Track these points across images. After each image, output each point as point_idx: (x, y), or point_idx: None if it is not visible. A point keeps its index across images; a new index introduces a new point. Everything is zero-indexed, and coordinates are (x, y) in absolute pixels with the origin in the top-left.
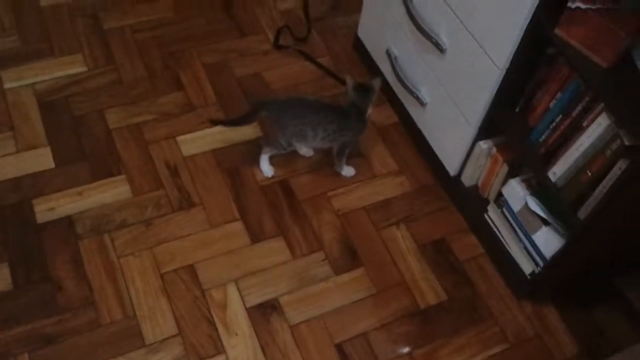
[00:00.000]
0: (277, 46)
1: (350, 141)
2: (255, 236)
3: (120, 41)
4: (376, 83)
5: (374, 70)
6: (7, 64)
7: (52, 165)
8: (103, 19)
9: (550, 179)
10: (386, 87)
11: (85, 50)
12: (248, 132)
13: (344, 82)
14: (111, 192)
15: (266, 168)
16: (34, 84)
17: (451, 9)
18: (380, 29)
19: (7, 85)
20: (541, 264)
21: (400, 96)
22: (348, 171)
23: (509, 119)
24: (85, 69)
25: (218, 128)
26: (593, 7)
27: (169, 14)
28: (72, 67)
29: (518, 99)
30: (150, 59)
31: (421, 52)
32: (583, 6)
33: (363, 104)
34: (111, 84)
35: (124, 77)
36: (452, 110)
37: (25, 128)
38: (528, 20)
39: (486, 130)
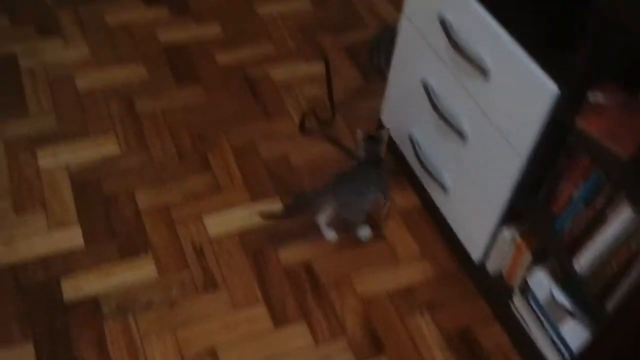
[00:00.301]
0: (303, 130)
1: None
2: (278, 319)
3: (152, 124)
4: (385, 133)
5: (397, 154)
6: (43, 143)
7: (82, 244)
8: (136, 102)
9: (575, 270)
10: (408, 171)
11: (118, 131)
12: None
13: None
14: (138, 271)
15: (330, 234)
16: (67, 163)
17: (473, 98)
18: (403, 114)
19: (42, 164)
20: (568, 357)
21: (422, 180)
22: (365, 231)
23: (532, 207)
24: (117, 149)
25: (243, 210)
26: (613, 101)
27: (200, 98)
28: (105, 147)
29: (541, 187)
30: (181, 141)
31: (443, 138)
32: (603, 100)
33: (375, 154)
34: (142, 164)
35: (155, 158)
36: (475, 197)
37: (57, 206)
38: (549, 112)
39: (510, 216)
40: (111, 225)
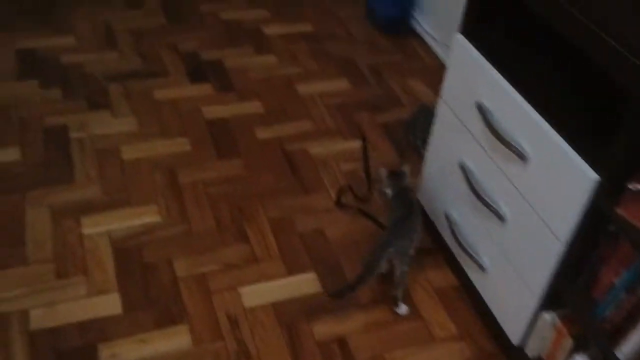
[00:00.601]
0: (339, 204)
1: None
2: None
3: (193, 194)
4: (406, 168)
5: (433, 232)
6: (88, 211)
7: (119, 311)
8: (179, 173)
9: (618, 358)
10: (445, 250)
11: (160, 201)
12: (307, 286)
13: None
14: (173, 340)
15: (403, 308)
16: (110, 231)
17: (511, 181)
18: (440, 193)
19: (85, 231)
20: None
21: (459, 259)
22: (402, 308)
23: (573, 292)
24: (159, 219)
25: (279, 282)
26: None
27: (240, 171)
28: (146, 216)
29: (581, 272)
30: (220, 212)
31: (481, 219)
32: None
33: (401, 188)
34: (181, 234)
35: (194, 228)
36: (513, 278)
37: (98, 273)
38: (588, 199)
39: (550, 300)
40: (149, 293)
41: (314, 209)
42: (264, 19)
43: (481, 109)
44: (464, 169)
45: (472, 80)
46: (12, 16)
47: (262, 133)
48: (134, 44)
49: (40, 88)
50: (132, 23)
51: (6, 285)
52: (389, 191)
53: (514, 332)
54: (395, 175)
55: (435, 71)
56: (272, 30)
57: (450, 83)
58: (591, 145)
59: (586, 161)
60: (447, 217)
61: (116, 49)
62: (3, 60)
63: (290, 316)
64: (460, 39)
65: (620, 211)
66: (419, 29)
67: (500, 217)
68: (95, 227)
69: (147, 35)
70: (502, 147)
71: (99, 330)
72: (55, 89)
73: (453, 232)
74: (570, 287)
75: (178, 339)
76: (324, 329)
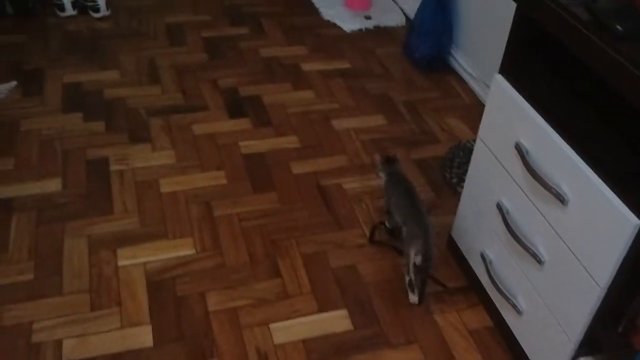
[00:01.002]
0: (372, 241)
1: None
2: None
3: (228, 228)
4: (398, 157)
5: (468, 271)
6: (124, 243)
7: (151, 344)
8: (215, 206)
9: None
10: (480, 290)
11: (195, 234)
12: (339, 324)
13: (437, 281)
14: None
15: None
16: (145, 263)
17: (549, 223)
18: (475, 232)
19: (120, 263)
20: None
21: (494, 300)
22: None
23: (611, 339)
24: (193, 252)
25: (310, 319)
26: None
27: (275, 205)
28: (182, 249)
29: (621, 318)
30: (253, 246)
31: (518, 259)
32: None
33: (393, 173)
34: (215, 267)
35: (228, 262)
36: (550, 323)
37: (132, 305)
38: (629, 244)
39: (588, 346)
40: (181, 326)
41: (347, 244)
42: (303, 56)
43: (519, 150)
44: (500, 208)
45: (511, 120)
46: (62, 52)
47: (298, 167)
48: (176, 80)
49: (84, 121)
50: (175, 59)
51: (41, 314)
52: (382, 175)
53: None
54: (388, 160)
55: (472, 108)
56: (310, 66)
57: (489, 122)
58: (633, 189)
59: (627, 205)
60: (483, 257)
61: (159, 84)
62: (51, 93)
63: (321, 354)
64: (500, 79)
65: None
66: (456, 67)
67: (538, 260)
68: (131, 259)
69: (188, 71)
70: (541, 188)
71: None
72: (98, 122)
73: (488, 272)
74: (609, 334)
75: None
76: None
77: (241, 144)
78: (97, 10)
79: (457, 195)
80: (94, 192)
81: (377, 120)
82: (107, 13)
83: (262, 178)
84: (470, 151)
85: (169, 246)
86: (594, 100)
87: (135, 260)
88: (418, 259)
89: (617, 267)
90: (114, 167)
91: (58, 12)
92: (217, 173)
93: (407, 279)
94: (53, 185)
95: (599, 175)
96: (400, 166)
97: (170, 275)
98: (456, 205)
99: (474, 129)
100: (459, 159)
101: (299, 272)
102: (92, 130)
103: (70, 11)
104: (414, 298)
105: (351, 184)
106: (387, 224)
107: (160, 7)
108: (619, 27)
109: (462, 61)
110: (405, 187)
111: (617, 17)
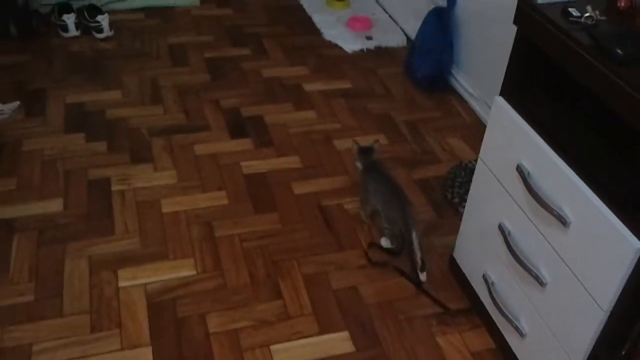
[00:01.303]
0: (371, 263)
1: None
2: None
3: (229, 249)
4: (376, 146)
5: (470, 292)
6: (125, 264)
7: None
8: (216, 227)
9: None
10: (482, 312)
11: (196, 255)
12: (340, 346)
13: (439, 303)
14: None
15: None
16: (146, 284)
17: (551, 246)
18: (478, 253)
19: (121, 284)
20: None
21: (497, 322)
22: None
23: None
24: (194, 272)
25: (311, 341)
26: None
27: (276, 225)
28: (182, 270)
29: (624, 341)
30: (254, 267)
31: (520, 281)
32: None
33: (370, 162)
34: (216, 288)
35: (229, 283)
36: (553, 344)
37: (132, 327)
38: (631, 267)
39: None
40: (181, 348)
41: (348, 265)
42: (304, 76)
43: (521, 171)
44: (502, 230)
45: (512, 142)
46: (65, 73)
47: (299, 188)
48: (179, 100)
49: (86, 141)
50: (177, 79)
51: (41, 336)
52: (359, 164)
53: None
54: (364, 150)
55: (473, 128)
56: (311, 86)
57: (490, 144)
58: (635, 212)
59: (629, 228)
60: (485, 278)
61: (161, 104)
62: (54, 113)
63: None
64: (501, 100)
65: None
66: (457, 86)
67: (540, 282)
68: (132, 279)
69: (191, 91)
70: (542, 210)
71: None
72: (100, 142)
73: (491, 294)
74: (612, 357)
75: None
76: None
77: (243, 164)
78: (101, 30)
79: (458, 215)
80: (95, 212)
81: (379, 140)
82: (110, 34)
83: (263, 198)
84: (472, 171)
85: (169, 267)
86: (595, 122)
87: (136, 281)
88: (396, 228)
89: (619, 291)
90: (115, 187)
91: (62, 33)
92: (218, 193)
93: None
94: (54, 205)
95: (601, 198)
96: (377, 155)
97: (171, 297)
98: (458, 226)
99: (475, 148)
100: (460, 178)
101: (300, 293)
102: (94, 151)
103: (73, 32)
104: (386, 242)
105: (352, 204)
106: (362, 214)
107: (163, 27)
108: (619, 51)
109: (463, 81)
110: (383, 174)
111: (618, 41)
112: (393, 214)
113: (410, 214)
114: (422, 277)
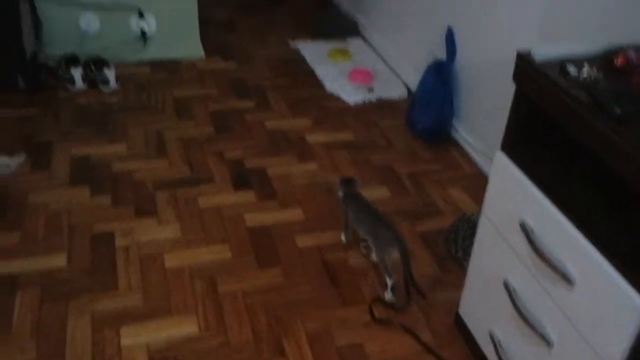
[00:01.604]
0: (375, 320)
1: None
2: None
3: (232, 304)
4: (356, 179)
5: (476, 350)
6: (128, 321)
7: None
8: (219, 281)
9: None
10: None
11: (199, 311)
12: None
13: None
14: None
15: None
16: (148, 342)
17: (557, 305)
18: (483, 310)
19: (123, 343)
20: None
21: None
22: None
23: None
24: (196, 329)
25: None
26: None
27: (279, 280)
28: (185, 327)
29: None
30: (258, 323)
31: (527, 340)
32: None
33: (349, 192)
34: (218, 346)
35: (231, 340)
36: None
37: None
38: (638, 327)
39: None
40: None
41: (353, 322)
42: (307, 128)
43: (524, 228)
44: (507, 287)
45: (514, 198)
46: (71, 126)
47: (302, 241)
48: (183, 153)
49: (91, 194)
50: (182, 132)
51: None
52: (340, 194)
53: None
54: (346, 181)
55: (475, 180)
56: (314, 138)
57: (492, 199)
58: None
59: (635, 287)
60: (492, 336)
61: (166, 157)
62: (59, 166)
63: None
64: (502, 156)
65: None
66: (458, 138)
67: (547, 342)
68: (135, 337)
69: (195, 144)
70: (547, 268)
71: None
72: (105, 196)
73: (497, 353)
74: None
75: None
76: None
77: (246, 216)
78: (107, 84)
79: (463, 269)
80: (99, 267)
81: (380, 192)
82: (116, 87)
83: (266, 251)
84: (474, 224)
85: (172, 324)
86: (596, 179)
87: (139, 339)
88: (395, 253)
89: (627, 352)
90: (119, 242)
91: (69, 86)
92: (221, 246)
93: (389, 283)
94: (58, 260)
95: (605, 257)
96: (358, 187)
97: (173, 355)
98: (462, 280)
99: (477, 199)
100: (463, 232)
101: (304, 350)
102: (98, 204)
103: (80, 85)
104: (389, 296)
105: (356, 259)
106: (342, 239)
107: (169, 81)
108: (617, 109)
109: (464, 133)
110: (361, 201)
111: (616, 99)
112: (381, 234)
113: (397, 231)
114: (387, 295)
